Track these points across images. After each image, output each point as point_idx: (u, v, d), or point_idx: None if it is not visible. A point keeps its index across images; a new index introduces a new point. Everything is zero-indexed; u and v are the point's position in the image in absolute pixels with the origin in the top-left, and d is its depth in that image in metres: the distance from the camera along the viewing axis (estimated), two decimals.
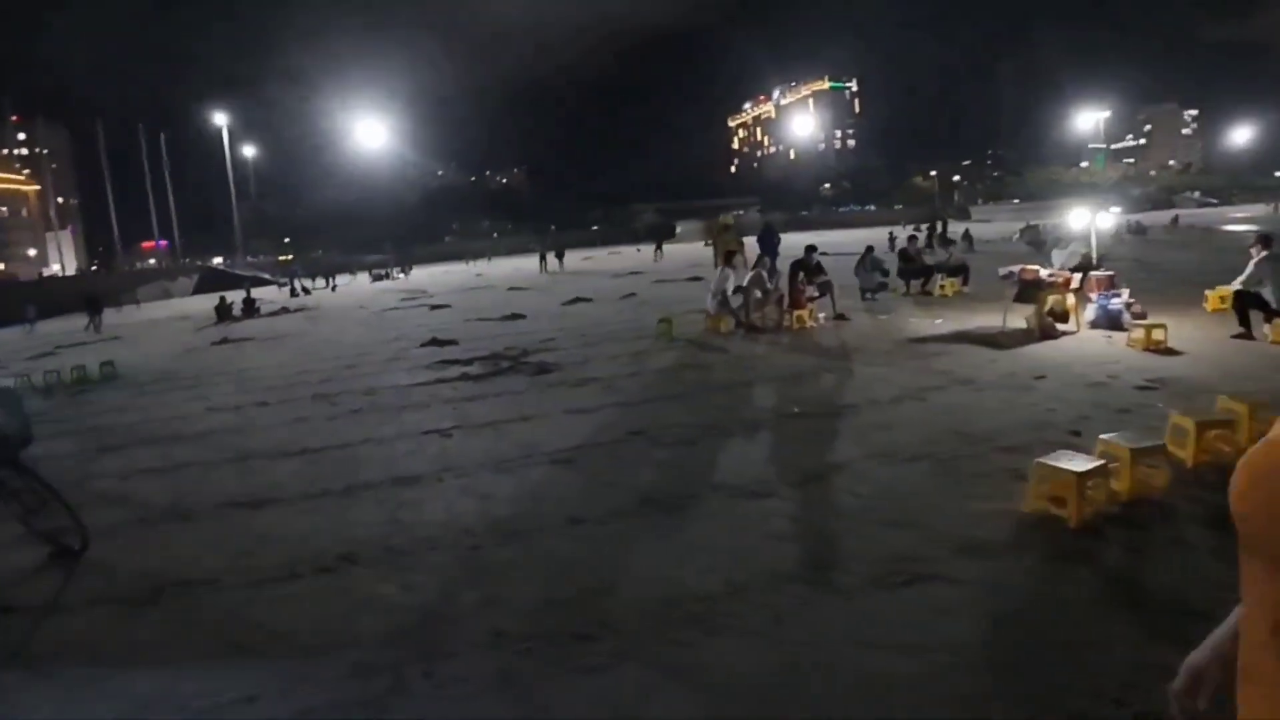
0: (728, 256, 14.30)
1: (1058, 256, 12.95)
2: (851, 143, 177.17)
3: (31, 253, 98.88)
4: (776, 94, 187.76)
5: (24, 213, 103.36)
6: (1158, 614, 3.45)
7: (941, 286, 15.62)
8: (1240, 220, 40.60)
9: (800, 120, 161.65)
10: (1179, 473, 4.92)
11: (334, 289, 41.13)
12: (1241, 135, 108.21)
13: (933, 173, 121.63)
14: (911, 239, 18.24)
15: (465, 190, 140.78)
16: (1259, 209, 55.57)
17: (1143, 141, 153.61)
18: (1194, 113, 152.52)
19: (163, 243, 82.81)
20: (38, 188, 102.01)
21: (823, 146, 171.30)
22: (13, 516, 5.10)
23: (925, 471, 5.42)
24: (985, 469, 5.37)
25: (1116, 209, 18.53)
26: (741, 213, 57.02)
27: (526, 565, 4.41)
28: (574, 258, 45.11)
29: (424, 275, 48.27)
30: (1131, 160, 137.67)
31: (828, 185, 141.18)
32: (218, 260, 78.33)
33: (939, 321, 12.12)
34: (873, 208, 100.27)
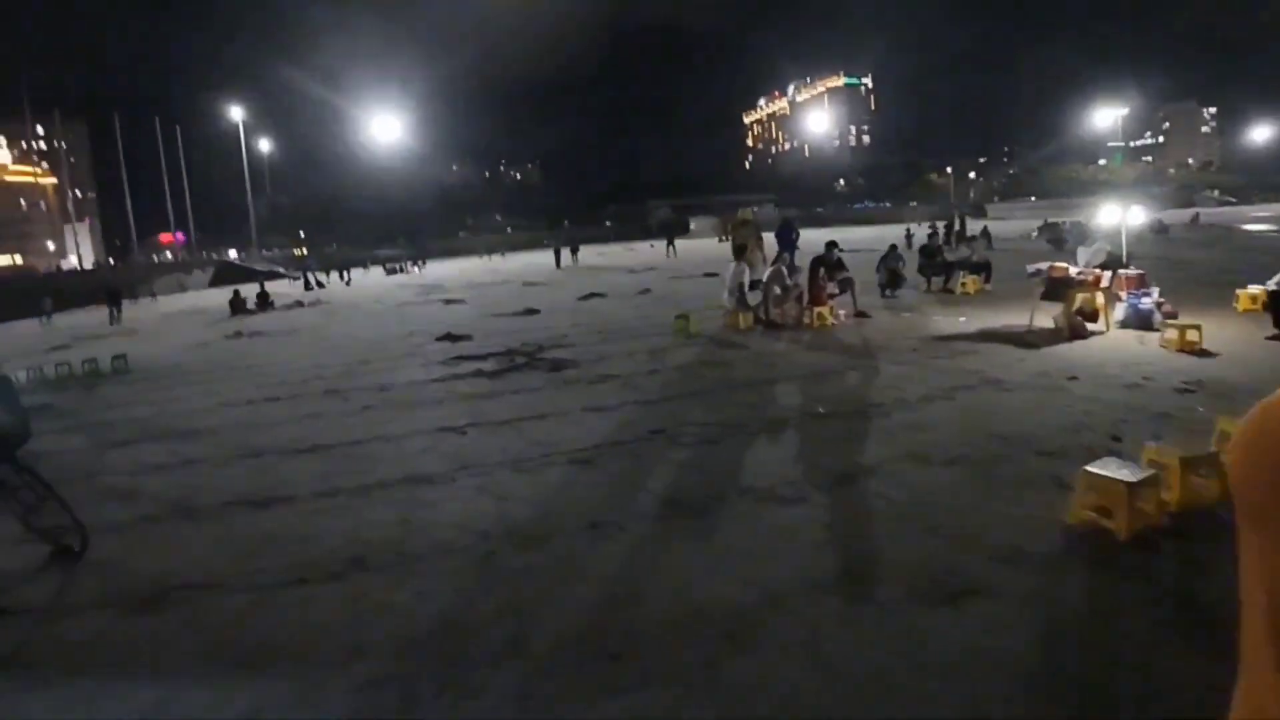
0: (739, 251, 14.05)
1: (1083, 254, 12.64)
2: (866, 139, 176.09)
3: (50, 245, 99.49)
4: (791, 90, 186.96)
5: (42, 206, 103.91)
6: (1218, 633, 3.21)
7: (963, 284, 15.34)
8: (1260, 219, 39.94)
9: (815, 116, 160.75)
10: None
11: (348, 283, 41.01)
12: (1261, 134, 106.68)
13: (948, 170, 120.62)
14: (931, 235, 17.95)
15: (479, 185, 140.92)
16: (1279, 208, 54.81)
17: (1161, 139, 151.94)
18: (1213, 110, 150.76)
19: (180, 236, 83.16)
20: (55, 181, 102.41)
21: (837, 143, 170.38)
22: (11, 515, 4.94)
23: (961, 476, 5.19)
24: (1023, 474, 5.13)
25: (1141, 207, 18.12)
26: (757, 209, 56.64)
27: (546, 573, 4.18)
28: (588, 253, 44.88)
29: (438, 269, 48.20)
30: (1149, 158, 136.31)
31: (842, 182, 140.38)
32: (233, 254, 78.59)
33: (963, 319, 11.85)
34: (888, 205, 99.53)
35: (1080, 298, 10.28)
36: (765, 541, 4.35)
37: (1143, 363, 8.23)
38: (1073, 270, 10.90)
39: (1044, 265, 11.24)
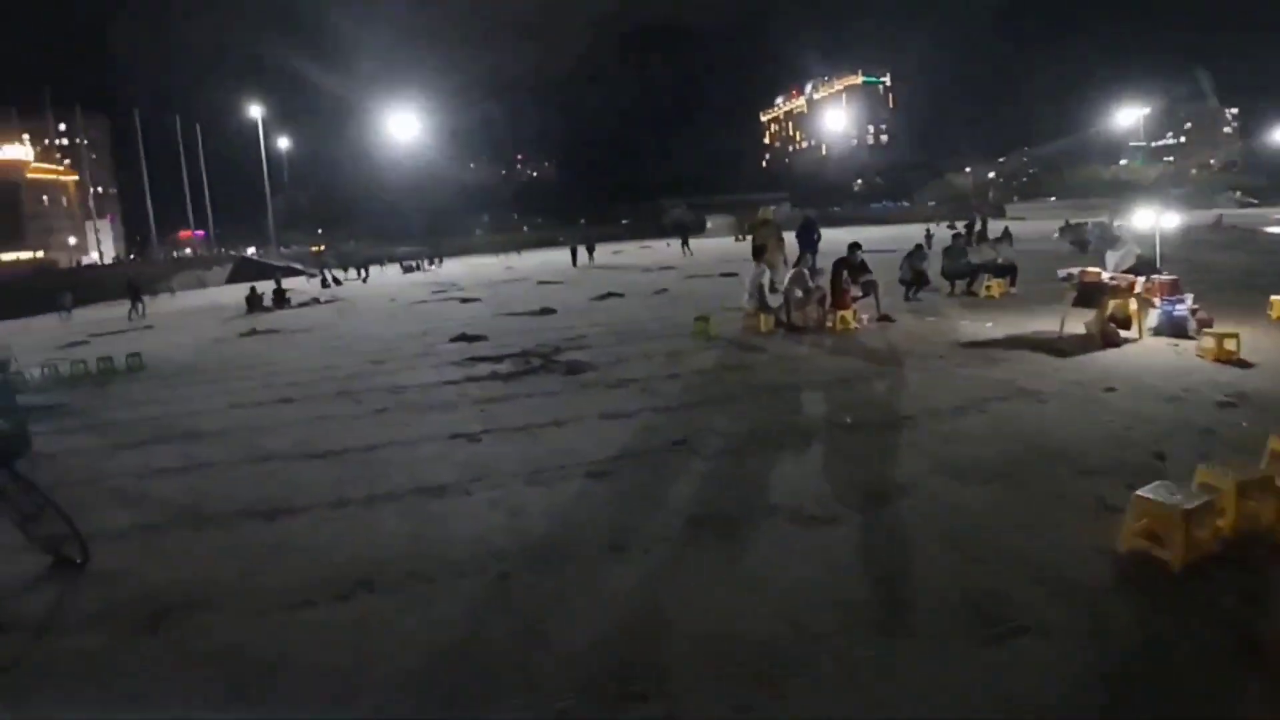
0: (759, 252, 13.78)
1: (1111, 257, 12.27)
2: (884, 138, 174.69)
3: (71, 241, 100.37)
4: (809, 88, 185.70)
5: (64, 202, 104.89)
6: None
7: (988, 287, 14.98)
8: None
9: (833, 115, 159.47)
10: None
11: (365, 280, 41.01)
12: None
13: (967, 169, 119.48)
14: (956, 236, 17.57)
15: (496, 183, 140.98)
16: None
17: (1182, 140, 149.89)
18: (1235, 111, 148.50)
19: (200, 232, 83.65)
20: (77, 177, 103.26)
21: (855, 142, 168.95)
22: (10, 524, 4.77)
23: (1000, 495, 4.93)
24: (1066, 493, 4.87)
25: (1174, 211, 17.69)
26: (775, 208, 56.26)
27: (564, 598, 3.95)
28: (604, 251, 44.65)
29: (454, 267, 48.15)
30: (1170, 159, 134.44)
31: (860, 181, 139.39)
32: (251, 250, 78.87)
33: (990, 325, 11.54)
34: (906, 204, 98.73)
35: (1113, 304, 9.97)
36: (796, 567, 4.10)
37: (1180, 373, 7.91)
38: (1105, 275, 10.58)
39: (1075, 270, 10.92)
